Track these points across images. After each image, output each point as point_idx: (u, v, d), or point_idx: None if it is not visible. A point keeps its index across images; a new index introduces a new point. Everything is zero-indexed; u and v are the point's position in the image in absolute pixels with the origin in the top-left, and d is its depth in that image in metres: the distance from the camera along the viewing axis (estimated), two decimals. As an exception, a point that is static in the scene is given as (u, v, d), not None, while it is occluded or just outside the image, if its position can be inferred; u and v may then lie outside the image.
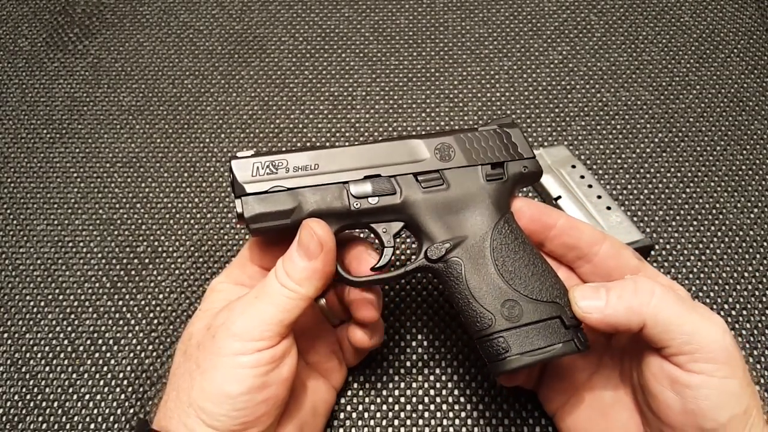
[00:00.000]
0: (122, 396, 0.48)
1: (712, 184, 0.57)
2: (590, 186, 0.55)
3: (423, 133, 0.46)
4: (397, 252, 0.54)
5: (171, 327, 0.51)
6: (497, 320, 0.38)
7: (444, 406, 0.47)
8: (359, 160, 0.41)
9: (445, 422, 0.46)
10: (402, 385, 0.48)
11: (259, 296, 0.38)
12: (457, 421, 0.46)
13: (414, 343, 0.50)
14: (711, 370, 0.35)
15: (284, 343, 0.38)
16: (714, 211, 0.56)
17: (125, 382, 0.49)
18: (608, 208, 0.53)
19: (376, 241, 0.42)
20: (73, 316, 0.52)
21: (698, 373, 0.35)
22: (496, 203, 0.41)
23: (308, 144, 0.61)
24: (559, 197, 0.54)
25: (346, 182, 0.40)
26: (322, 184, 0.40)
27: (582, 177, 0.55)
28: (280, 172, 0.40)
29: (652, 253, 0.53)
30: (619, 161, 0.59)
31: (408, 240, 0.55)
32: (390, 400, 0.48)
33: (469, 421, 0.46)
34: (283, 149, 0.47)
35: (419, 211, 0.40)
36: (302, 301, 0.38)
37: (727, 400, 0.34)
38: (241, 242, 0.55)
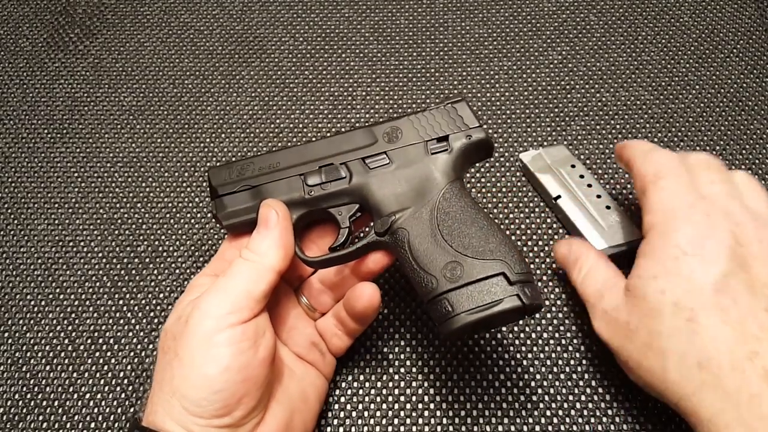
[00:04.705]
0: (123, 395, 0.48)
1: (712, 183, 0.57)
2: (590, 185, 0.55)
3: (373, 122, 0.49)
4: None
5: (171, 326, 0.51)
6: (440, 282, 0.39)
7: (444, 405, 0.47)
8: (314, 153, 0.45)
9: (445, 421, 0.47)
10: (402, 383, 0.48)
11: (226, 275, 0.39)
12: (457, 420, 0.47)
13: (414, 342, 0.50)
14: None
15: (257, 321, 0.38)
16: (713, 211, 0.56)
17: (126, 381, 0.49)
18: (607, 207, 0.53)
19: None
20: (73, 315, 0.52)
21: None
22: (442, 174, 0.42)
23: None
24: (559, 197, 0.54)
25: (303, 174, 0.44)
26: (281, 178, 0.44)
27: (581, 176, 0.55)
28: (247, 174, 0.45)
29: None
30: (618, 161, 0.59)
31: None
32: (390, 398, 0.48)
33: (469, 420, 0.46)
34: (255, 154, 0.51)
35: (368, 191, 0.43)
36: (267, 272, 0.39)
37: None
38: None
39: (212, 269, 0.44)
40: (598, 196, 0.54)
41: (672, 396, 0.38)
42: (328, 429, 0.47)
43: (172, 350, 0.38)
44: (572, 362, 0.48)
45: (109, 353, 0.50)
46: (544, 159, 0.57)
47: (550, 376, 0.48)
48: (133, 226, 0.57)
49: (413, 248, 0.40)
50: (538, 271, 0.53)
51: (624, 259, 0.49)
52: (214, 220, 0.43)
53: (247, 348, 0.37)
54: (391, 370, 0.49)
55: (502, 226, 0.55)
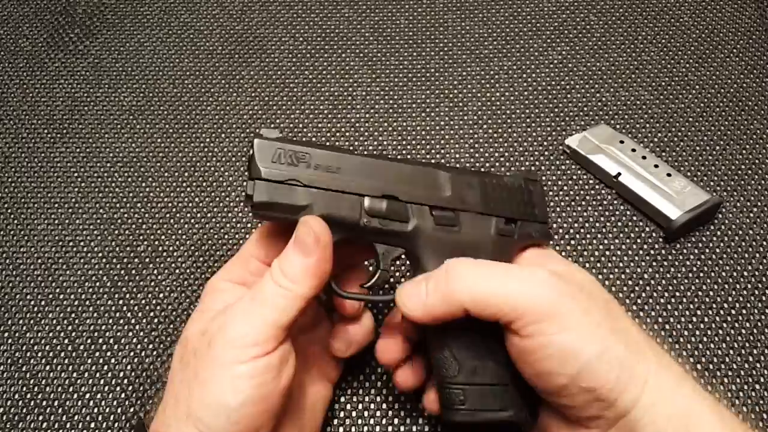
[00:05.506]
0: (122, 395, 0.48)
1: (712, 183, 0.57)
2: (644, 157, 0.55)
3: (449, 165, 0.45)
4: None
5: (171, 326, 0.51)
6: (462, 373, 0.38)
7: (444, 405, 0.47)
8: (381, 176, 0.39)
9: (445, 421, 0.46)
10: (402, 383, 0.48)
11: (254, 298, 0.37)
12: (457, 420, 0.46)
13: (414, 342, 0.50)
14: (540, 331, 0.34)
15: (281, 349, 0.37)
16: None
17: (125, 381, 0.49)
18: (669, 175, 0.54)
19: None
20: (73, 315, 0.52)
21: (530, 336, 0.34)
22: (497, 259, 0.40)
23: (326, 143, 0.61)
24: (619, 174, 0.55)
25: (363, 195, 0.39)
26: (338, 190, 0.38)
27: (633, 150, 0.56)
28: (301, 166, 0.38)
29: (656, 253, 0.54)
30: (618, 161, 0.59)
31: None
32: (390, 398, 0.48)
33: (469, 420, 0.46)
34: (309, 141, 0.45)
35: (424, 244, 0.39)
36: (298, 301, 0.37)
37: (567, 354, 0.34)
38: (241, 242, 0.55)
39: (236, 275, 0.42)
40: (656, 166, 0.55)
41: None
42: (328, 429, 0.47)
43: (192, 368, 0.37)
44: (572, 362, 0.48)
45: (109, 353, 0.50)
46: (592, 140, 0.57)
47: (550, 376, 0.48)
48: (133, 226, 0.57)
49: (447, 328, 0.38)
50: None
51: (695, 222, 0.52)
52: (245, 202, 0.38)
53: (270, 380, 0.36)
54: (391, 370, 0.49)
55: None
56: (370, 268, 0.47)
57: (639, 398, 0.33)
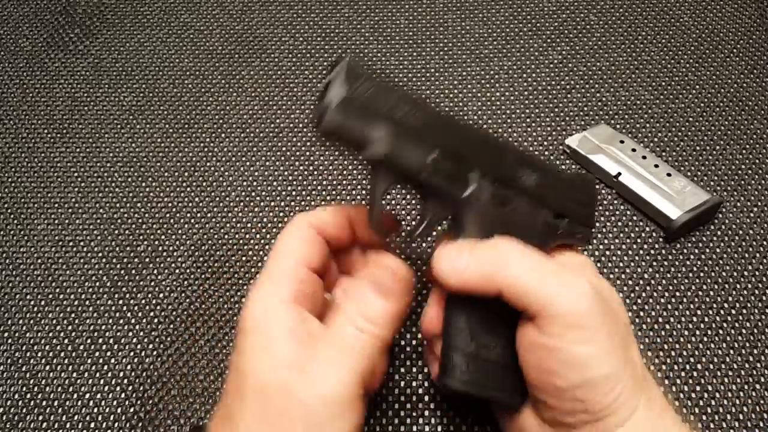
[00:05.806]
0: (122, 395, 0.48)
1: (712, 183, 0.57)
2: (644, 157, 0.55)
3: (516, 144, 0.43)
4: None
5: (171, 326, 0.51)
6: (472, 345, 0.37)
7: (444, 405, 0.47)
8: (454, 135, 0.37)
9: (445, 420, 0.46)
10: (402, 383, 0.48)
11: (335, 347, 0.35)
12: (457, 419, 0.47)
13: (414, 341, 0.50)
14: (563, 335, 0.34)
15: (363, 404, 0.35)
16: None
17: (125, 381, 0.49)
18: (668, 174, 0.54)
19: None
20: (73, 315, 0.52)
21: (550, 336, 0.34)
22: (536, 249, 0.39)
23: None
24: (619, 174, 0.55)
25: (433, 149, 0.36)
26: (413, 135, 0.36)
27: (633, 150, 0.56)
28: (382, 98, 0.35)
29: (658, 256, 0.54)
30: (618, 161, 0.59)
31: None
32: (390, 398, 0.48)
33: (470, 419, 0.46)
34: (401, 87, 0.40)
35: (474, 214, 0.38)
36: (380, 342, 0.35)
37: (578, 364, 0.34)
38: (242, 241, 0.55)
39: (290, 293, 0.36)
40: (656, 166, 0.55)
41: None
42: (328, 429, 0.47)
43: (278, 427, 0.34)
44: (572, 362, 0.48)
45: (109, 353, 0.50)
46: (592, 140, 0.57)
47: (550, 376, 0.48)
48: (133, 226, 0.57)
49: (471, 300, 0.37)
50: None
51: (696, 222, 0.52)
52: (315, 123, 0.35)
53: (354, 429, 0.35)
54: (391, 370, 0.49)
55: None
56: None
57: (623, 423, 0.34)
